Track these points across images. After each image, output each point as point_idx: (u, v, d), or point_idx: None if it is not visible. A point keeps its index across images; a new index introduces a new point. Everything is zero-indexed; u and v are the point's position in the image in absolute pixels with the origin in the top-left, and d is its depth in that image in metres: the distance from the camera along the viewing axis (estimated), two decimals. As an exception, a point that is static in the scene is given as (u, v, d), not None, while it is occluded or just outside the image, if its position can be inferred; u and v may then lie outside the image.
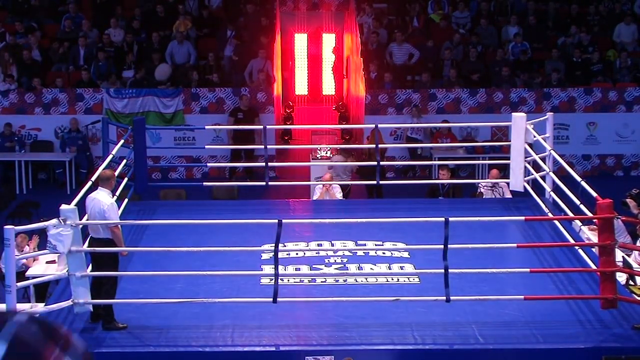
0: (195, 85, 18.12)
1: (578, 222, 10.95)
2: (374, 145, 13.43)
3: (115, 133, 16.20)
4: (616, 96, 18.13)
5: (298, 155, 16.72)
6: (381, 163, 12.76)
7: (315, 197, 13.71)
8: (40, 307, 9.46)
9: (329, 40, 21.80)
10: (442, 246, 8.76)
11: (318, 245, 10.89)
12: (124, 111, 17.85)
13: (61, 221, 8.50)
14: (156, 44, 18.78)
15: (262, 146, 12.96)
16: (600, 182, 11.85)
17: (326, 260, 10.40)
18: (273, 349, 8.51)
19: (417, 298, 9.25)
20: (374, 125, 13.88)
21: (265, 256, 10.35)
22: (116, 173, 10.31)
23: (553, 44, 19.24)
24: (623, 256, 10.18)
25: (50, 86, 18.06)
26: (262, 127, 13.20)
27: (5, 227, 8.38)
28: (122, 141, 12.42)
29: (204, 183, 14.28)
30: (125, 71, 18.47)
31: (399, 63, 18.92)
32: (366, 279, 9.91)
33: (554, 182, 11.97)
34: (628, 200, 10.91)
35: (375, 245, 10.85)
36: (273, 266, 8.85)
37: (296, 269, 10.13)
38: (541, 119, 12.71)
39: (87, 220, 8.95)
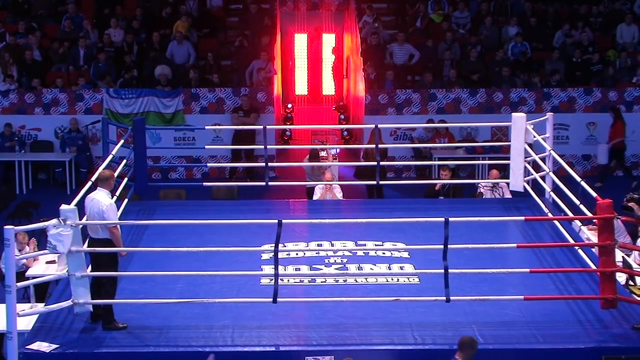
0: (195, 85, 18.11)
1: (578, 222, 10.95)
2: (373, 146, 13.43)
3: (115, 133, 16.23)
4: (616, 96, 18.13)
5: (298, 155, 16.72)
6: (381, 163, 12.75)
7: (316, 197, 13.70)
8: (40, 307, 9.46)
9: (329, 40, 21.82)
10: (442, 246, 8.76)
11: (318, 245, 10.90)
12: (124, 111, 17.86)
13: (61, 221, 8.50)
14: (156, 43, 18.77)
15: (262, 146, 12.96)
16: (600, 182, 11.88)
17: (326, 261, 10.41)
18: (273, 349, 8.51)
19: (417, 298, 9.25)
20: (374, 126, 13.87)
21: (265, 256, 10.36)
22: (116, 173, 10.32)
23: (552, 45, 19.25)
24: (623, 256, 10.17)
25: (50, 86, 18.06)
26: (262, 127, 13.19)
27: (5, 227, 8.37)
28: (122, 141, 12.44)
29: (204, 183, 14.26)
30: (124, 72, 18.46)
31: (399, 63, 18.90)
32: (366, 279, 9.91)
33: (553, 182, 11.97)
34: (630, 204, 10.89)
35: (375, 245, 10.86)
36: (273, 266, 8.85)
37: (296, 269, 10.14)
38: (541, 119, 12.71)
39: (86, 220, 8.95)
